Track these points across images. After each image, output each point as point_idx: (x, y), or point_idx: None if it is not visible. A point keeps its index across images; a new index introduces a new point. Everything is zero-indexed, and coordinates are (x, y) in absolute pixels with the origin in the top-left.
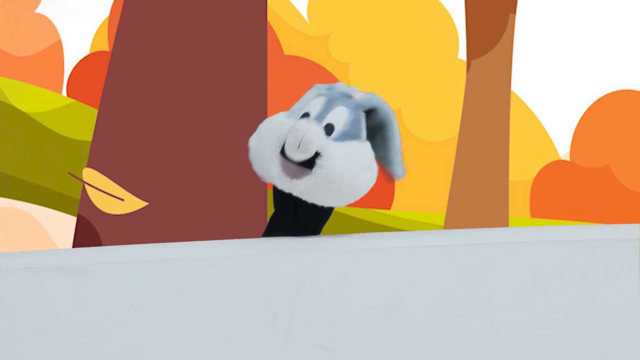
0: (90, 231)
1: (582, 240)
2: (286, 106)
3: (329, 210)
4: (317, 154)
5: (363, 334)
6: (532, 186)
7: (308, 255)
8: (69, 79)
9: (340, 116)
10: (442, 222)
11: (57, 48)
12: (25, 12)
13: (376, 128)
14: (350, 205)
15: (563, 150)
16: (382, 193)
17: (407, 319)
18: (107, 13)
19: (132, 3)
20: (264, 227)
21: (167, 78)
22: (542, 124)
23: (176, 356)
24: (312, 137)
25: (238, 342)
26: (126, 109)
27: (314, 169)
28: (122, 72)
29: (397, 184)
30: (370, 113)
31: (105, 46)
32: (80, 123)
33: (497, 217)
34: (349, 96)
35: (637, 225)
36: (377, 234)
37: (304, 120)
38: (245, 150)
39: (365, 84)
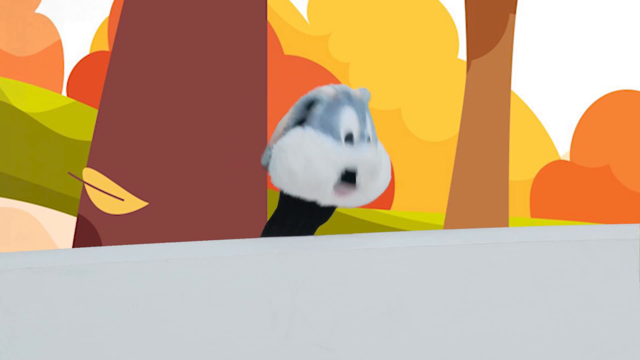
0: (90, 231)
1: (582, 240)
2: (286, 106)
3: (330, 212)
4: None
5: (363, 334)
6: (532, 186)
7: (308, 255)
8: (69, 79)
9: (370, 124)
10: (442, 222)
11: (57, 48)
12: (25, 12)
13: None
14: None
15: (563, 150)
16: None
17: (407, 319)
18: (107, 13)
19: (132, 3)
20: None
21: (167, 78)
22: (542, 124)
23: (176, 356)
24: (382, 163)
25: (238, 342)
26: (126, 109)
27: (362, 184)
28: (122, 72)
29: (397, 184)
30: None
31: (105, 46)
32: (80, 123)
33: (497, 217)
34: (354, 95)
35: (637, 225)
36: (377, 234)
37: (368, 148)
38: (246, 150)
39: (365, 84)
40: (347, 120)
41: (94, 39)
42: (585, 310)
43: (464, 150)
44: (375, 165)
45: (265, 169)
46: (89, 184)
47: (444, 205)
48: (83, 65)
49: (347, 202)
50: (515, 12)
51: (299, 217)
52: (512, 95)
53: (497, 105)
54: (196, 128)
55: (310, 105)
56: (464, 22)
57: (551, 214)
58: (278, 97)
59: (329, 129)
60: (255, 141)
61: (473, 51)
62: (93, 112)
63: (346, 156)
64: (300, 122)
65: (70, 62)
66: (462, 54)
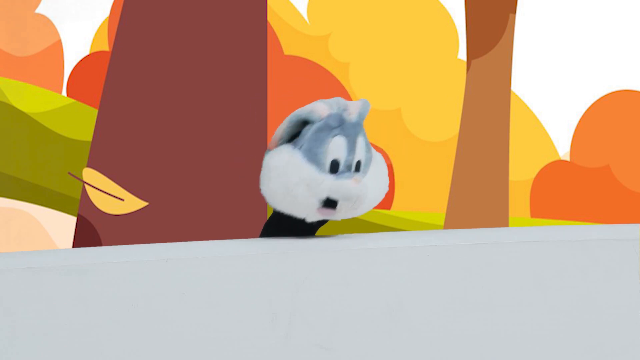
0: (90, 231)
1: (582, 240)
2: (286, 106)
3: None
4: None
5: (363, 334)
6: (532, 186)
7: (308, 255)
8: (69, 79)
9: (362, 146)
10: (442, 222)
11: (57, 48)
12: (25, 12)
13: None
14: None
15: (563, 150)
16: None
17: (407, 319)
18: (107, 13)
19: (132, 3)
20: None
21: (167, 78)
22: (542, 124)
23: (176, 356)
24: (364, 195)
25: (238, 342)
26: (126, 109)
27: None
28: (122, 72)
29: (397, 184)
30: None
31: (105, 46)
32: (80, 123)
33: (497, 217)
34: (347, 118)
35: (637, 225)
36: (377, 234)
37: (351, 179)
38: (246, 150)
39: (365, 84)
40: (334, 150)
41: (94, 39)
42: (585, 310)
43: (464, 150)
44: (357, 196)
45: None
46: (89, 184)
47: (444, 205)
48: (83, 65)
49: (337, 217)
50: (515, 12)
51: (294, 223)
52: (512, 95)
53: (497, 105)
54: (196, 128)
55: (304, 122)
56: (464, 22)
57: (551, 214)
58: (278, 97)
59: (314, 159)
60: (255, 141)
61: (473, 51)
62: (93, 112)
63: (327, 187)
64: (294, 136)
65: (70, 62)
66: (462, 54)
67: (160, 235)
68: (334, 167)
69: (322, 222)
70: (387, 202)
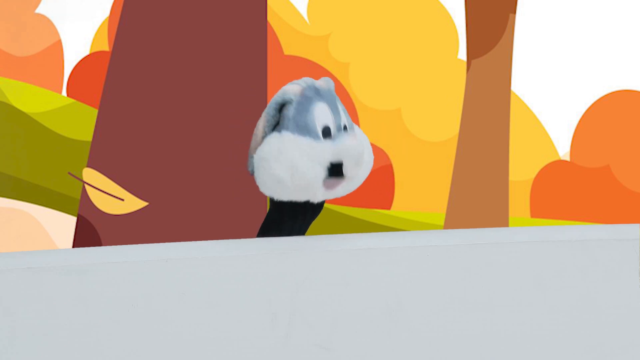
0: (90, 231)
1: (582, 240)
2: None
3: (321, 207)
4: None
5: (363, 334)
6: (532, 186)
7: (308, 255)
8: (69, 79)
9: (342, 112)
10: (442, 222)
11: (57, 48)
12: (25, 12)
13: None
14: (350, 205)
15: (563, 150)
16: (382, 193)
17: (407, 319)
18: (107, 13)
19: (132, 3)
20: None
21: (167, 78)
22: (542, 124)
23: (176, 356)
24: (363, 148)
25: (238, 342)
26: (126, 109)
27: (350, 174)
28: (122, 72)
29: (397, 184)
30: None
31: (105, 46)
32: (80, 123)
33: (497, 217)
34: (320, 87)
35: (637, 225)
36: (377, 234)
37: (348, 137)
38: (246, 150)
39: (365, 84)
40: (321, 115)
41: (94, 39)
42: (585, 310)
43: (464, 150)
44: (358, 151)
45: (252, 174)
46: (89, 184)
47: (444, 205)
48: (83, 65)
49: (336, 193)
50: (515, 12)
51: (292, 219)
52: (512, 95)
53: (497, 105)
54: (196, 128)
55: (281, 107)
56: (464, 22)
57: (551, 214)
58: None
59: (305, 128)
60: None
61: (473, 51)
62: (93, 112)
63: (329, 151)
64: (275, 126)
65: (70, 62)
66: (462, 54)
67: (160, 235)
68: (326, 134)
69: (319, 209)
70: (387, 202)
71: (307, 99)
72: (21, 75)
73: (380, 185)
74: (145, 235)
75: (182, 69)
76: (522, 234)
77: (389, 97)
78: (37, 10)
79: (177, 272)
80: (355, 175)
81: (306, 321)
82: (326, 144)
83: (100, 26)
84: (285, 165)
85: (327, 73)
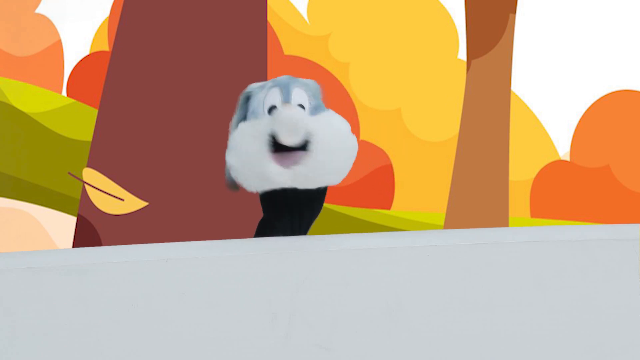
0: (90, 231)
1: (582, 240)
2: None
3: (320, 205)
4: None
5: (363, 334)
6: (532, 186)
7: (308, 255)
8: (69, 79)
9: (302, 95)
10: (442, 222)
11: (57, 48)
12: (25, 12)
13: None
14: (350, 205)
15: (563, 150)
16: (382, 193)
17: (407, 319)
18: (107, 13)
19: (132, 3)
20: None
21: (167, 78)
22: (542, 124)
23: (176, 356)
24: (299, 116)
25: (238, 342)
26: (126, 109)
27: (309, 147)
28: (122, 72)
29: (397, 184)
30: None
31: (105, 46)
32: (80, 123)
33: (497, 217)
34: (281, 78)
35: (637, 225)
36: (377, 234)
37: (284, 108)
38: None
39: (365, 84)
40: (269, 99)
41: (94, 39)
42: (585, 310)
43: (464, 150)
44: (292, 119)
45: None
46: (89, 184)
47: (444, 205)
48: (83, 65)
49: (299, 172)
50: (515, 12)
51: (289, 215)
52: (512, 95)
53: (497, 105)
54: (196, 128)
55: (247, 102)
56: (464, 22)
57: (551, 214)
58: None
59: (254, 113)
60: None
61: (473, 51)
62: (93, 112)
63: (264, 124)
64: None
65: (70, 62)
66: (462, 54)
67: (160, 235)
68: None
69: (317, 204)
70: (387, 202)
71: (262, 87)
72: (21, 75)
73: (380, 185)
74: (145, 235)
75: (182, 69)
76: (522, 234)
77: (389, 97)
78: (37, 10)
79: (177, 272)
80: (294, 142)
81: (306, 321)
82: (263, 119)
83: (100, 26)
84: (233, 150)
85: (327, 73)
